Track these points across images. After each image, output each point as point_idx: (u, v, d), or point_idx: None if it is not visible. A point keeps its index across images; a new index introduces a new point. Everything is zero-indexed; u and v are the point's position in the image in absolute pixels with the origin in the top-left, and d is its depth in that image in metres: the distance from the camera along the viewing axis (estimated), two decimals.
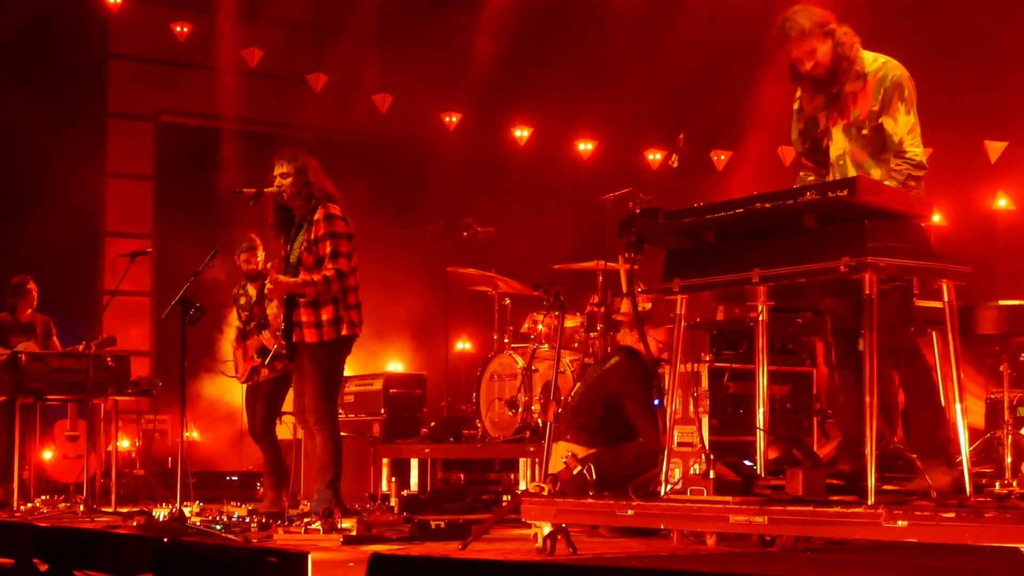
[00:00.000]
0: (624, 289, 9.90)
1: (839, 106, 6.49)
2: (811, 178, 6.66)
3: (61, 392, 12.00)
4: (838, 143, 6.51)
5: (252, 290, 11.12)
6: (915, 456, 6.06)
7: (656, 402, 6.65)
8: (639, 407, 8.13)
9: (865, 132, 6.39)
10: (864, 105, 6.39)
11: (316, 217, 8.89)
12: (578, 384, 8.89)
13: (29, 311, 13.04)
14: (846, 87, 6.43)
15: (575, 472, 7.66)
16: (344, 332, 8.93)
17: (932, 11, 14.30)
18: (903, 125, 6.30)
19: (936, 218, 6.37)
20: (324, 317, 8.87)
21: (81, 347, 11.68)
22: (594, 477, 7.71)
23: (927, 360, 6.23)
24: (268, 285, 9.05)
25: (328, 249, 8.83)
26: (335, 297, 8.88)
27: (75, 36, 16.53)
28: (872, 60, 6.43)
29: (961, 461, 5.67)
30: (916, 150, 6.30)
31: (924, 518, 5.09)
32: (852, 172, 6.41)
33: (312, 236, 8.89)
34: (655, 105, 18.18)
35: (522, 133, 19.17)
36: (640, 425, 8.10)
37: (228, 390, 13.94)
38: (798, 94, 6.71)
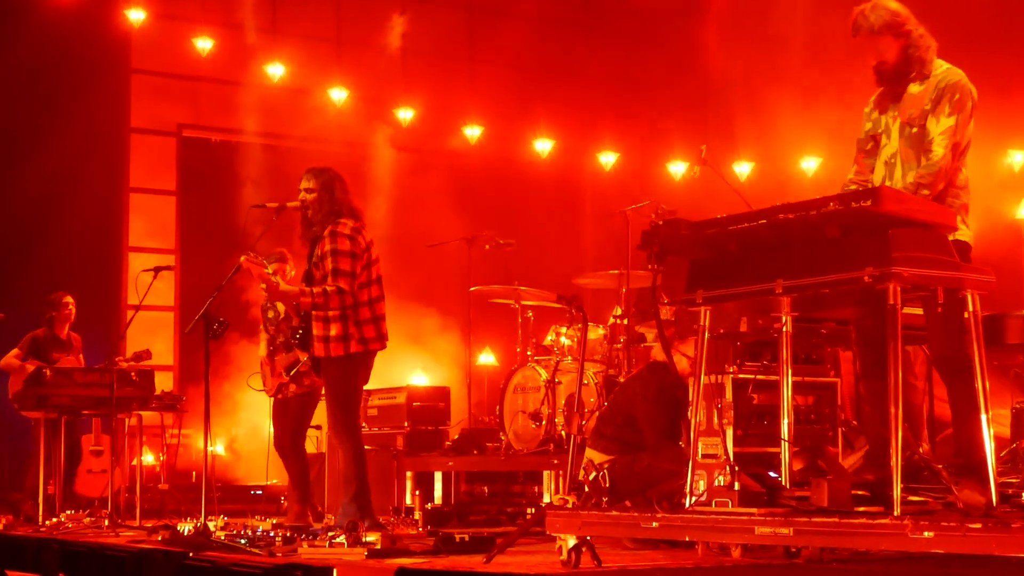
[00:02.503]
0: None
1: (900, 105, 6.50)
2: (853, 185, 6.66)
3: (86, 407, 12.02)
4: (893, 142, 6.53)
5: (281, 306, 11.11)
6: (941, 467, 6.04)
7: None
8: (646, 420, 8.18)
9: (915, 131, 6.41)
10: (919, 105, 6.40)
11: (324, 233, 8.92)
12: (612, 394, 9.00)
13: (67, 327, 13.06)
14: (910, 87, 6.44)
15: (591, 478, 7.69)
16: (353, 349, 8.90)
17: (954, 19, 14.26)
18: (940, 125, 6.30)
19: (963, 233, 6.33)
20: (332, 332, 8.87)
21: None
22: (607, 484, 7.75)
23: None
24: (262, 288, 9.03)
25: (330, 266, 8.85)
26: (344, 314, 8.88)
27: (97, 51, 16.58)
28: (939, 66, 6.45)
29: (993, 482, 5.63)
30: (939, 150, 6.28)
31: (950, 529, 5.06)
32: (899, 172, 6.43)
33: (319, 252, 8.92)
34: (677, 117, 18.18)
35: (544, 145, 19.20)
36: (646, 438, 8.16)
37: (253, 404, 13.96)
38: (873, 96, 6.72)
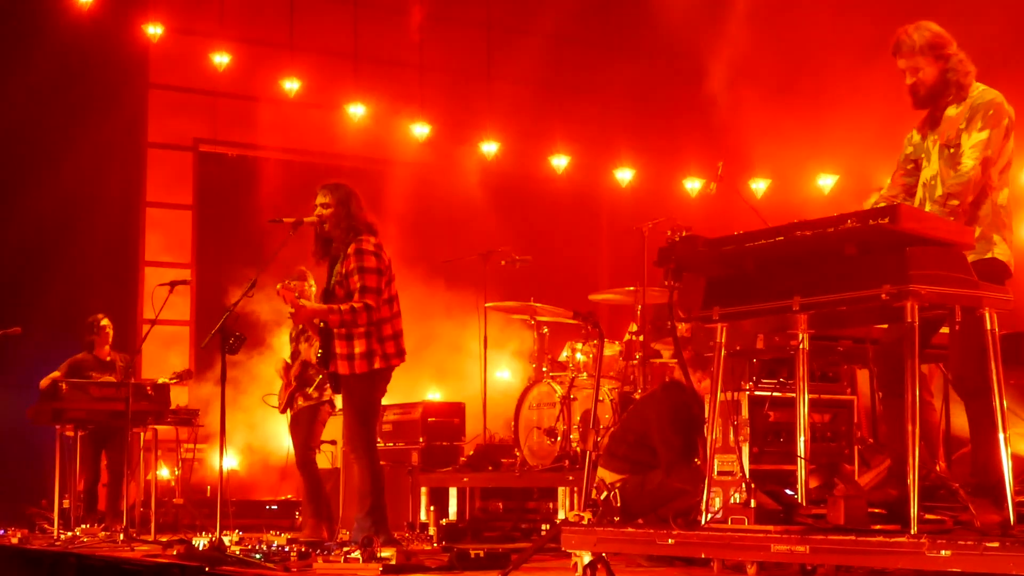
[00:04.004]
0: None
1: (939, 128, 6.52)
2: (875, 197, 6.68)
3: (101, 421, 12.03)
4: (932, 164, 6.54)
5: None
6: (957, 485, 6.02)
7: None
8: (660, 440, 8.15)
9: (952, 151, 6.42)
10: (955, 125, 6.42)
11: (348, 251, 8.89)
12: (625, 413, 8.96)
13: (107, 348, 13.06)
14: (948, 110, 6.46)
15: (602, 497, 7.69)
16: (377, 365, 8.89)
17: (970, 40, 14.26)
18: (972, 139, 6.31)
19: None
20: (356, 350, 8.85)
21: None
22: (619, 504, 7.73)
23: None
24: (289, 309, 8.98)
25: (357, 284, 8.81)
26: (368, 331, 8.86)
27: (115, 66, 16.65)
28: (976, 88, 6.48)
29: (1008, 503, 5.61)
30: (968, 162, 6.28)
31: (968, 548, 5.04)
32: (940, 192, 6.42)
33: (343, 270, 8.89)
34: (693, 134, 18.19)
35: (560, 161, 19.21)
36: (660, 458, 8.14)
37: (268, 419, 13.97)
38: (916, 125, 6.74)
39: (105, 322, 13.11)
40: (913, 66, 6.51)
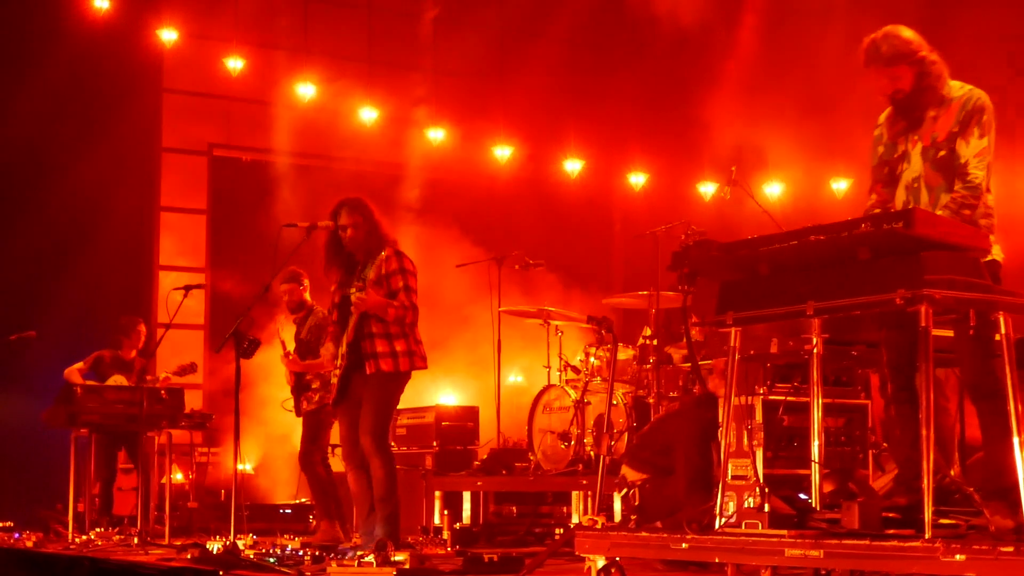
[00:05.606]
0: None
1: (920, 130, 6.48)
2: (877, 209, 6.63)
3: (116, 425, 12.04)
4: (915, 166, 6.49)
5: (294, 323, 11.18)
6: (972, 490, 6.01)
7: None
8: (684, 459, 8.12)
9: (942, 154, 6.37)
10: (944, 127, 6.37)
11: (385, 254, 8.88)
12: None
13: (134, 352, 13.06)
14: (929, 111, 6.42)
15: (622, 494, 7.69)
16: (418, 365, 8.95)
17: (992, 50, 14.26)
18: (973, 148, 6.27)
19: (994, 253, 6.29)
20: (399, 348, 8.84)
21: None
22: (637, 502, 7.73)
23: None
24: (358, 295, 8.87)
25: (401, 284, 8.84)
26: (405, 331, 8.88)
27: (129, 71, 16.66)
28: (959, 87, 6.42)
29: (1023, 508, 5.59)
30: (978, 173, 6.26)
31: (982, 552, 5.04)
32: (925, 196, 6.39)
33: (383, 271, 8.86)
34: (707, 138, 18.17)
35: (574, 165, 19.21)
36: (679, 471, 8.10)
37: (281, 422, 13.97)
38: (880, 119, 6.70)
39: (142, 327, 13.12)
40: (887, 76, 6.47)
